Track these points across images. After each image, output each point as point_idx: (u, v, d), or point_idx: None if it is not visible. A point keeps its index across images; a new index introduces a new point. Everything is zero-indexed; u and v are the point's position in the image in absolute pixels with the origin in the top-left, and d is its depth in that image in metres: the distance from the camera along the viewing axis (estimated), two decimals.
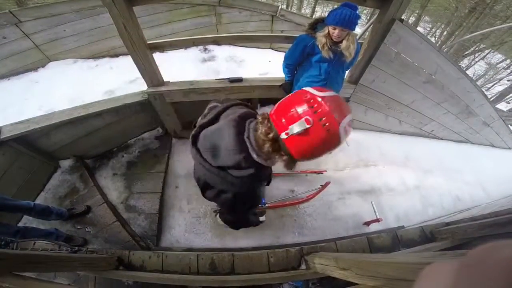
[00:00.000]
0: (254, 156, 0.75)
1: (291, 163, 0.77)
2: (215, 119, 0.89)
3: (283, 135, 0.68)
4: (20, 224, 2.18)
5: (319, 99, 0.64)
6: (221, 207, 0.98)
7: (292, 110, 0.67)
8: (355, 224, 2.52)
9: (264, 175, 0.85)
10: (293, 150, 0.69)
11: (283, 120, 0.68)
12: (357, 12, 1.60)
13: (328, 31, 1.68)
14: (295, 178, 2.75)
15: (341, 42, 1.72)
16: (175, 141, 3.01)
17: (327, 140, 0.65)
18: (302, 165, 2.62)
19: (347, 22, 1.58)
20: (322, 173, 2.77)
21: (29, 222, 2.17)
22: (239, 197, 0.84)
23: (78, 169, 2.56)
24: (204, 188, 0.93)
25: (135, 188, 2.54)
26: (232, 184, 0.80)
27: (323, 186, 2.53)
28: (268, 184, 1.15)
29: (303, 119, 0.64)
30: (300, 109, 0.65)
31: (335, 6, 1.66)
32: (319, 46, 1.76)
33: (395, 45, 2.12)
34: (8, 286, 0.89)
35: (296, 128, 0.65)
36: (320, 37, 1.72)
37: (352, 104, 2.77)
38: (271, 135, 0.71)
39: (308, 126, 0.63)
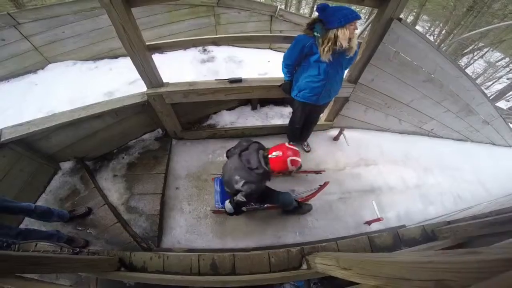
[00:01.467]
0: (263, 164, 1.74)
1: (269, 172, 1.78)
2: (246, 148, 1.87)
3: (269, 156, 1.73)
4: (22, 226, 2.18)
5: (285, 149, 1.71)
6: (247, 197, 1.79)
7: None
8: (356, 223, 2.52)
9: (268, 176, 1.84)
10: (271, 162, 1.72)
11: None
12: None
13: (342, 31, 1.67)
14: (295, 178, 2.75)
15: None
16: (175, 142, 3.01)
17: (283, 163, 1.68)
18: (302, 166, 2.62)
19: (356, 13, 1.64)
20: (321, 173, 2.77)
21: (30, 224, 2.17)
22: (256, 188, 1.75)
23: (78, 171, 2.57)
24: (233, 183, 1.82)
25: (135, 189, 2.55)
26: (254, 177, 1.74)
27: (322, 186, 2.54)
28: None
29: (278, 151, 1.71)
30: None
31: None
32: (319, 49, 1.77)
33: (393, 44, 2.13)
34: None
35: (274, 154, 1.71)
36: (344, 42, 1.71)
37: (351, 103, 2.78)
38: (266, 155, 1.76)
39: (280, 154, 1.70)
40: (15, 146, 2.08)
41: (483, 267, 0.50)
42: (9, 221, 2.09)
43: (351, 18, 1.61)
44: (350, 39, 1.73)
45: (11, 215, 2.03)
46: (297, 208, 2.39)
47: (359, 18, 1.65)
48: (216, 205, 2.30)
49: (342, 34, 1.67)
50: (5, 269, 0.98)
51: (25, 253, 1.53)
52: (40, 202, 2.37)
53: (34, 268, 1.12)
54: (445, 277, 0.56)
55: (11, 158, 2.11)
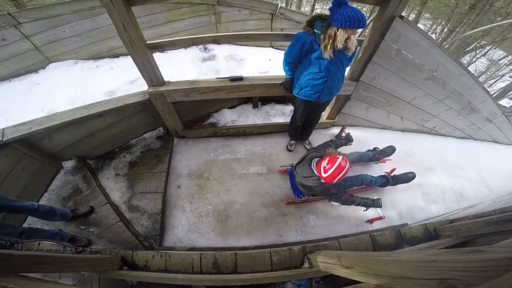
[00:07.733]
0: (316, 172, 2.03)
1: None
2: (301, 160, 2.28)
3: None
4: (25, 225, 2.19)
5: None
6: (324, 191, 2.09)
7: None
8: (358, 222, 2.52)
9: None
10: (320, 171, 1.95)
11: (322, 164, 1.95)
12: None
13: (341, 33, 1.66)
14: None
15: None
16: (176, 140, 3.02)
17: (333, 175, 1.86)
18: None
19: (363, 22, 1.60)
20: None
21: (33, 223, 2.18)
22: (321, 189, 2.05)
23: (80, 170, 2.57)
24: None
25: (137, 188, 2.55)
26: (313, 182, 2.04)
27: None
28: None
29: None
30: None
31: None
32: (321, 46, 1.76)
33: (395, 42, 2.11)
34: (13, 287, 0.89)
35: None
36: (339, 43, 1.71)
37: (353, 101, 2.77)
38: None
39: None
40: (17, 145, 2.08)
41: (488, 266, 0.50)
42: (12, 220, 2.11)
43: (354, 24, 1.58)
44: (346, 42, 1.74)
45: (14, 215, 2.05)
46: (396, 180, 2.61)
47: (362, 27, 1.62)
48: (296, 197, 2.48)
49: (340, 36, 1.66)
50: (8, 268, 0.98)
51: (28, 252, 1.54)
52: (42, 201, 2.38)
53: (37, 267, 1.13)
54: (449, 276, 0.56)
55: (14, 157, 2.11)
